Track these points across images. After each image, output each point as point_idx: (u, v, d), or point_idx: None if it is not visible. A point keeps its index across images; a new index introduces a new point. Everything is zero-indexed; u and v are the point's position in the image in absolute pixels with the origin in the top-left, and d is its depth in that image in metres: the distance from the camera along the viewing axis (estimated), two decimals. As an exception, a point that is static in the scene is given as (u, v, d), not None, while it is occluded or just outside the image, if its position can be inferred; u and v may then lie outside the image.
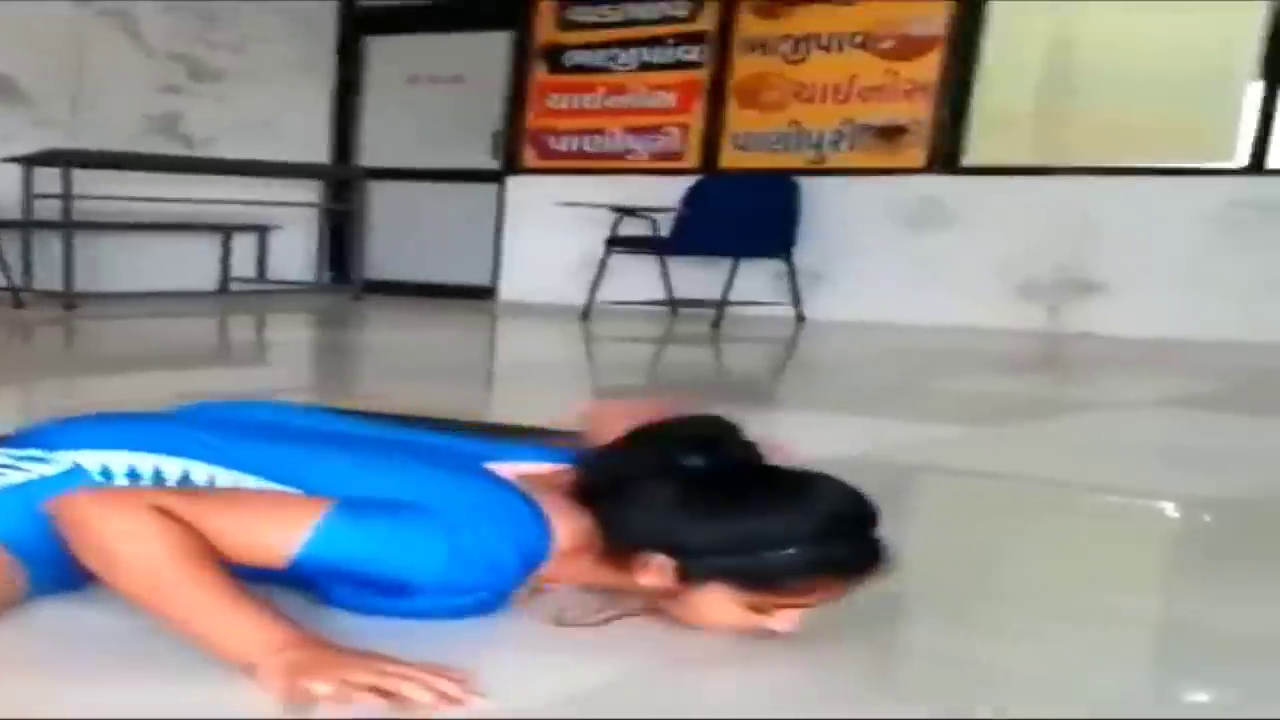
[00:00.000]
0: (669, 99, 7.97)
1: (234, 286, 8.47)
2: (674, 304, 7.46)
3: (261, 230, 8.59)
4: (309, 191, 8.46)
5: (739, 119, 7.75)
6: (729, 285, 6.97)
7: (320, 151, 9.13)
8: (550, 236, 8.01)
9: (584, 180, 7.96)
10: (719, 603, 1.57)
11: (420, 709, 1.32)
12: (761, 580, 1.54)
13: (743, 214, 7.22)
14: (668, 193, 7.53)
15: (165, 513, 1.44)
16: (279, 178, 8.47)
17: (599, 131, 8.20)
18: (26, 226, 7.31)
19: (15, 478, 1.59)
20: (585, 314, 7.23)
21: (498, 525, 1.56)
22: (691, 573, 1.56)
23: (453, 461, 1.69)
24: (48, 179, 7.19)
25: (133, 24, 8.18)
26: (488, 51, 8.55)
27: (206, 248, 8.46)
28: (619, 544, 1.60)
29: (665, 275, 7.53)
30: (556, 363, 5.51)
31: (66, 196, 7.10)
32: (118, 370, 4.68)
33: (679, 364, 5.81)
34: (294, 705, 1.32)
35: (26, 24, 7.62)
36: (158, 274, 7.95)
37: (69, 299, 7.09)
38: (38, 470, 1.60)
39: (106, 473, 1.61)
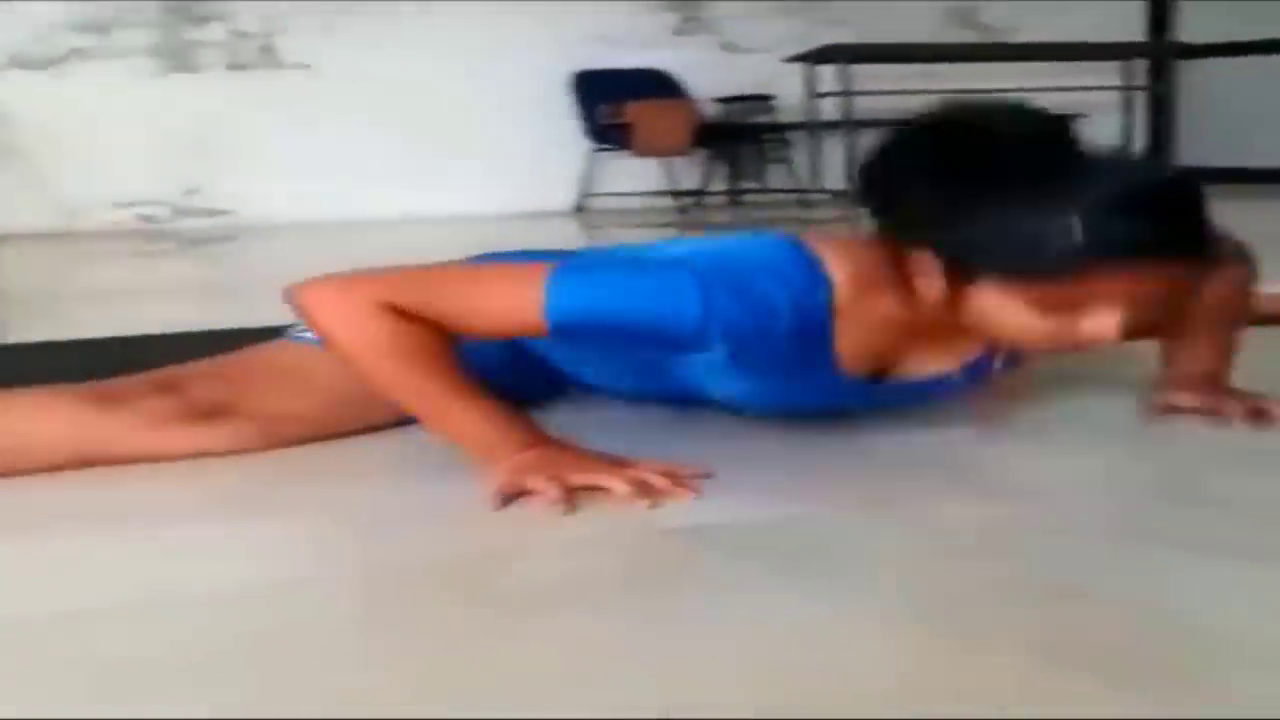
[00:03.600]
0: None
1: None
2: None
3: (1067, 119, 8.15)
4: (1117, 75, 7.85)
5: None
6: None
7: (1133, 29, 8.46)
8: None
9: None
10: (1000, 305, 1.31)
11: (638, 501, 1.31)
12: (1035, 266, 1.26)
13: None
14: None
15: (390, 308, 1.38)
16: (1079, 60, 7.89)
17: None
18: (812, 128, 7.30)
19: None
20: None
21: (753, 262, 1.43)
22: (958, 267, 1.32)
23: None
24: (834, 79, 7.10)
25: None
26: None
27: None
28: (888, 247, 1.39)
29: None
30: None
31: (846, 93, 6.94)
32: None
33: None
34: (499, 499, 1.32)
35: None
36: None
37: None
38: None
39: None
